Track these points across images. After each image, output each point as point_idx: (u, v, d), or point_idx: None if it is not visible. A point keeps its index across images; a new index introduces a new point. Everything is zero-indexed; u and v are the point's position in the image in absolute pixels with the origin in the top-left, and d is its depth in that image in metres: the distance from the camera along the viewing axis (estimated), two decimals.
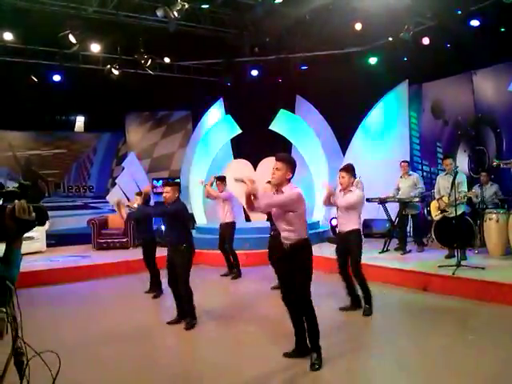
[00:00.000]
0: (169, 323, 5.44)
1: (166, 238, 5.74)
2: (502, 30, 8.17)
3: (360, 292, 5.65)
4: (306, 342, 4.16)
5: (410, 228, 8.95)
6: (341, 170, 5.66)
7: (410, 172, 8.61)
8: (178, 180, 11.95)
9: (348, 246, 5.54)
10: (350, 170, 5.55)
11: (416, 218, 8.51)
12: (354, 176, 5.56)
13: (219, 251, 8.22)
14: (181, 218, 5.47)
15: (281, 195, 3.96)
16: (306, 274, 4.02)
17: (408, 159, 9.45)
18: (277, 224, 4.15)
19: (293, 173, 4.02)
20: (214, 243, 8.46)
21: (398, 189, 8.47)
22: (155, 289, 6.90)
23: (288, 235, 4.03)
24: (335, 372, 4.01)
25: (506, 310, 5.43)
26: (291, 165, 4.01)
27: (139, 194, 7.13)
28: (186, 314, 5.38)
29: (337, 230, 5.96)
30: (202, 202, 11.35)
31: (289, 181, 4.00)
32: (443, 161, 7.94)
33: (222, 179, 8.22)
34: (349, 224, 5.49)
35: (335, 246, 5.96)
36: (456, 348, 4.41)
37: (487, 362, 4.01)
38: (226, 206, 8.07)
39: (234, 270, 8.16)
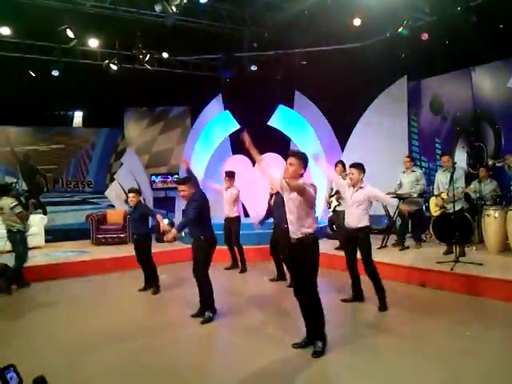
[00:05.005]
0: (192, 316, 5.52)
1: (189, 232, 5.72)
2: (501, 26, 8.14)
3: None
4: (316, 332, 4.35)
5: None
6: (351, 166, 5.71)
7: (414, 168, 8.58)
8: (176, 176, 11.97)
9: (357, 242, 5.60)
10: (359, 166, 5.58)
11: (416, 215, 8.47)
12: (364, 172, 5.58)
13: (225, 245, 8.22)
14: (200, 210, 5.41)
15: (300, 181, 4.09)
16: (313, 267, 4.19)
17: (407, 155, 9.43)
18: (288, 218, 4.27)
19: (305, 168, 4.19)
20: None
21: (400, 184, 8.46)
22: (151, 285, 6.94)
23: (297, 229, 4.18)
24: (337, 363, 4.12)
25: (503, 305, 5.46)
26: (304, 161, 4.18)
27: (132, 190, 7.07)
28: (206, 306, 5.46)
29: (334, 226, 5.99)
30: None
31: (301, 176, 4.16)
32: (441, 157, 7.99)
33: (230, 175, 8.30)
34: (359, 220, 5.53)
35: (340, 240, 5.99)
36: (453, 343, 4.43)
37: (484, 358, 4.04)
38: (233, 201, 8.13)
39: (239, 263, 8.28)
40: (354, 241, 5.65)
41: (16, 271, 7.21)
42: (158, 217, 6.75)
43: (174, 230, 5.40)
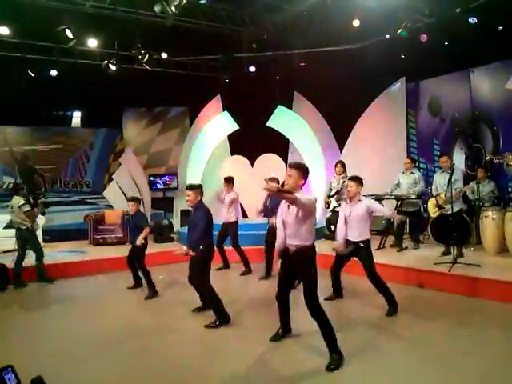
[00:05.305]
0: (193, 311, 5.72)
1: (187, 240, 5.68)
2: (500, 28, 8.17)
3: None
4: (290, 324, 4.67)
5: (406, 225, 8.95)
6: (349, 179, 5.79)
7: (414, 170, 8.59)
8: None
9: (358, 255, 5.57)
10: (357, 180, 5.59)
11: (414, 216, 8.50)
12: (362, 186, 5.58)
13: (216, 248, 8.21)
14: (204, 222, 5.36)
15: (302, 194, 3.98)
16: (313, 279, 4.11)
17: (406, 156, 9.45)
18: (286, 229, 4.18)
19: (305, 179, 4.12)
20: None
21: (398, 184, 8.47)
22: (139, 284, 7.03)
23: (294, 241, 4.12)
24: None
25: (501, 307, 5.47)
26: (303, 171, 4.12)
27: (131, 199, 7.11)
28: (208, 307, 5.49)
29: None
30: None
31: (301, 187, 4.10)
32: (439, 158, 8.01)
33: (229, 180, 8.39)
34: (360, 234, 5.50)
35: (335, 242, 6.02)
36: (452, 345, 4.44)
37: (484, 359, 4.04)
38: (231, 205, 8.21)
39: (229, 264, 8.42)
40: (353, 254, 5.63)
41: (40, 265, 7.44)
42: (144, 231, 6.75)
43: (184, 248, 5.41)
